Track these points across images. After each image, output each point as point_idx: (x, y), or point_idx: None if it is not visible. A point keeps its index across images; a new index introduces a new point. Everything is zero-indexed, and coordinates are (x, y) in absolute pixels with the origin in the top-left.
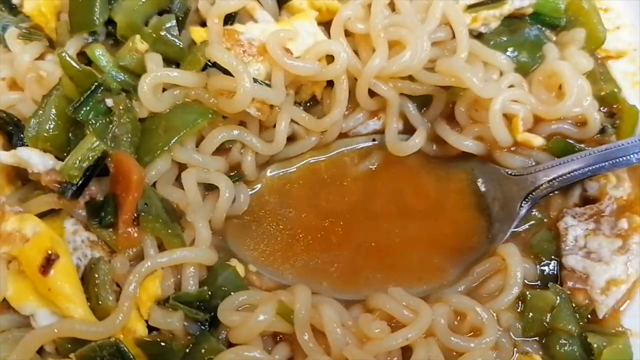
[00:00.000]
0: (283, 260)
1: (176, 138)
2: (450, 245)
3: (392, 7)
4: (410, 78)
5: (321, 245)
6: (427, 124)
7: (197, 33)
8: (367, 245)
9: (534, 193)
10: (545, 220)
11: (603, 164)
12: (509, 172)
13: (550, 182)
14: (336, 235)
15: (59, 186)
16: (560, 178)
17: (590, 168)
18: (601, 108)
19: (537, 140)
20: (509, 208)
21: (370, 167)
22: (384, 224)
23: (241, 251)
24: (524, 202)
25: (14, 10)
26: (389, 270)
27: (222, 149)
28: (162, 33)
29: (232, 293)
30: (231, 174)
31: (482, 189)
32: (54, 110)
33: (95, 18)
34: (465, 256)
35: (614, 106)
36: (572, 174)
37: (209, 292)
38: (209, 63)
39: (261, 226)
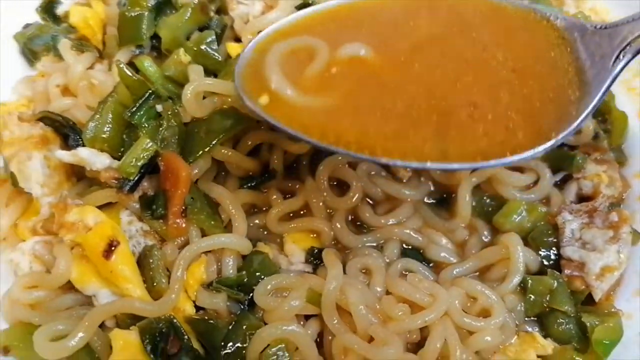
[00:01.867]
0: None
1: (215, 141)
2: (532, 106)
3: None
4: None
5: (368, 91)
6: None
7: (232, 48)
8: (426, 99)
9: (632, 44)
10: (548, 214)
11: None
12: (597, 26)
13: None
14: (387, 83)
15: (116, 182)
16: None
17: None
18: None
19: None
20: (598, 67)
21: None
22: (450, 77)
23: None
24: (620, 56)
25: (57, 20)
26: (451, 132)
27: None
28: (203, 47)
29: (265, 277)
30: None
31: (570, 42)
32: (110, 114)
33: (142, 33)
34: (549, 121)
35: (606, 115)
36: None
37: (246, 277)
38: None
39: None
